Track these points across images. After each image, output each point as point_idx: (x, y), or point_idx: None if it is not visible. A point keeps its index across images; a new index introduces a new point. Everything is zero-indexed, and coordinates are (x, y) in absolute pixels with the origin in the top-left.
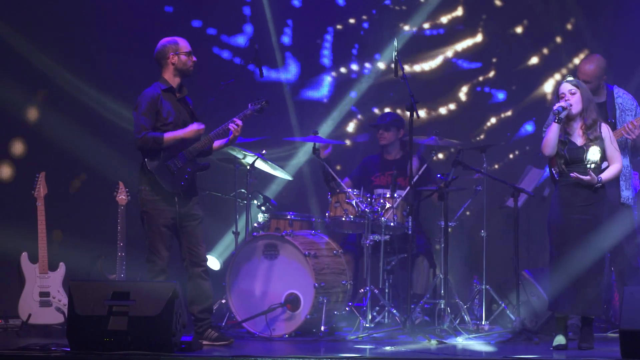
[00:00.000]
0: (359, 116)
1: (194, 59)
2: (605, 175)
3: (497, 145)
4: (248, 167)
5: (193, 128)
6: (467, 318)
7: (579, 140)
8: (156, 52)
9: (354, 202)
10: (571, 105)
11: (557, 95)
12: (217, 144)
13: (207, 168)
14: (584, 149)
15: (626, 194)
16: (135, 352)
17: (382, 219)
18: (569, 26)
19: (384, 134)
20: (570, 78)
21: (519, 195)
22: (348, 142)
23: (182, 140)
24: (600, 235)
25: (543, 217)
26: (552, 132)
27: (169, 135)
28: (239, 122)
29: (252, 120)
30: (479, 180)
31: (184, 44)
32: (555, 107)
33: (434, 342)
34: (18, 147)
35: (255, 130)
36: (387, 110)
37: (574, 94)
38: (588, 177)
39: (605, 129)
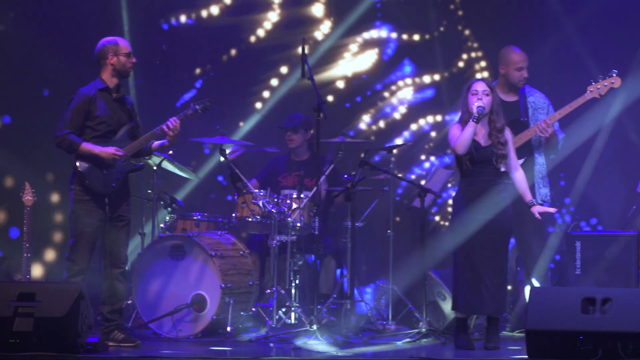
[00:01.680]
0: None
1: (134, 60)
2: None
3: (405, 145)
4: (155, 168)
5: (110, 151)
6: (373, 318)
7: (482, 141)
8: (96, 52)
9: (260, 203)
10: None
11: (468, 91)
12: (156, 144)
13: (141, 169)
14: (492, 150)
15: (544, 191)
16: (41, 353)
17: (289, 219)
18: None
19: (292, 136)
20: (483, 77)
21: (426, 195)
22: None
23: (96, 156)
24: (504, 235)
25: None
26: (469, 132)
27: (86, 147)
28: (175, 122)
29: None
30: (385, 180)
31: (124, 45)
32: (477, 107)
33: (340, 342)
34: None
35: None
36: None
37: (487, 95)
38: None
39: (509, 134)
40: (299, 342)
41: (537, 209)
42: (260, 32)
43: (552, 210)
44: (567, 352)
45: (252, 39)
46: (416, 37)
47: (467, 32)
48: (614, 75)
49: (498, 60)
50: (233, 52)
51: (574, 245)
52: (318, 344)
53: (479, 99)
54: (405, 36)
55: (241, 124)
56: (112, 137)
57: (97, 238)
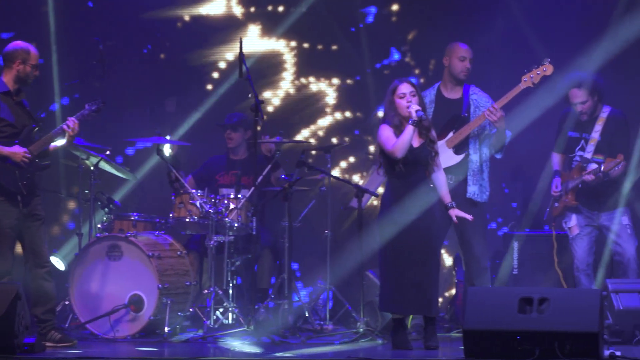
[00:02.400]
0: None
1: (37, 73)
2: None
3: (341, 145)
4: (92, 168)
5: (19, 151)
6: (311, 318)
7: (415, 142)
8: (5, 52)
9: (198, 203)
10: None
11: (394, 93)
12: (53, 145)
13: (48, 167)
14: (425, 150)
15: (472, 189)
16: None
17: (226, 219)
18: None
19: (232, 134)
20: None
21: (363, 195)
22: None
23: (6, 157)
24: (433, 235)
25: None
26: (408, 135)
27: None
28: (74, 122)
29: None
30: (323, 180)
31: (34, 55)
32: (416, 112)
33: (277, 342)
34: None
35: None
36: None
37: (414, 95)
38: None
39: (434, 133)
40: (236, 342)
41: (454, 212)
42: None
43: (468, 216)
44: (505, 352)
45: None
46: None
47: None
48: (547, 63)
49: (445, 53)
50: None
51: (511, 245)
52: (253, 344)
53: (409, 101)
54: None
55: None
56: (17, 139)
57: (15, 238)
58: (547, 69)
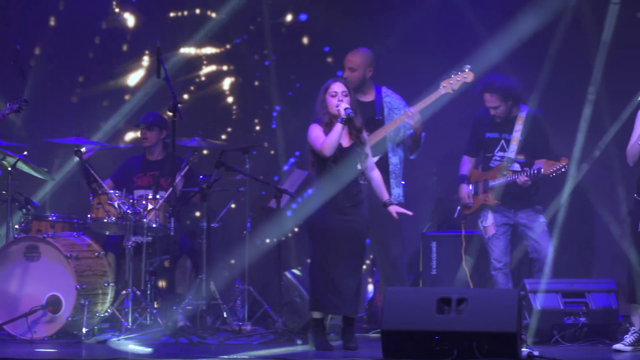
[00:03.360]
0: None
1: None
2: (386, 192)
3: (259, 146)
4: (10, 169)
5: None
6: (229, 319)
7: (344, 142)
8: None
9: (116, 204)
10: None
11: (326, 92)
12: None
13: None
14: (354, 150)
15: (397, 191)
16: None
17: (145, 220)
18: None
19: (147, 134)
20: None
21: (282, 196)
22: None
23: None
24: (361, 235)
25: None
26: (337, 134)
27: None
28: None
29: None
30: (241, 181)
31: None
32: (345, 110)
33: (196, 343)
34: None
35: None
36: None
37: (346, 95)
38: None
39: (365, 134)
40: (154, 343)
41: (394, 209)
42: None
43: (408, 212)
44: (423, 352)
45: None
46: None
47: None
48: (467, 70)
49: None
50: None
51: (429, 245)
52: (171, 345)
53: (340, 100)
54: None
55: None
56: None
57: None
58: (468, 76)
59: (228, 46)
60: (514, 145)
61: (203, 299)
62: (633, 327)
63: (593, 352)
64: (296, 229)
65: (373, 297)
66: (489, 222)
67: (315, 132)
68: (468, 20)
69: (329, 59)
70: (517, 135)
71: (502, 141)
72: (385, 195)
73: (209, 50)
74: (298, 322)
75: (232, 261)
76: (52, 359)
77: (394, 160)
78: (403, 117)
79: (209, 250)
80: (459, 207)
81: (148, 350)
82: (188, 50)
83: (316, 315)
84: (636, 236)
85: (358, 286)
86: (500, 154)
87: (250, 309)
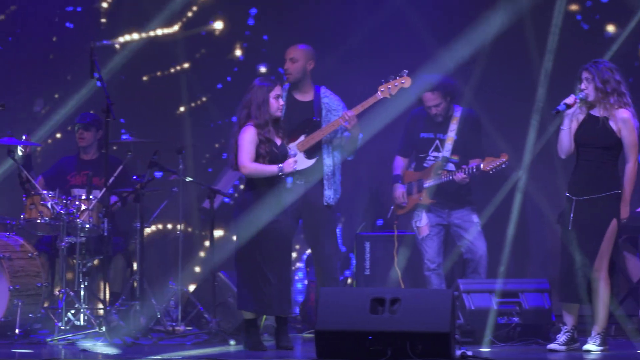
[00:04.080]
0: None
1: None
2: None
3: (193, 146)
4: None
5: None
6: (163, 320)
7: (279, 142)
8: None
9: (49, 204)
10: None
11: (269, 92)
12: None
13: None
14: (287, 150)
15: (328, 193)
16: None
17: (78, 220)
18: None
19: (84, 134)
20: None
21: (215, 196)
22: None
23: None
24: (289, 235)
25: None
26: (264, 174)
27: None
28: None
29: None
30: (175, 181)
31: None
32: (293, 168)
33: (129, 343)
34: None
35: None
36: None
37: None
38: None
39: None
40: (87, 344)
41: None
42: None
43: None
44: (357, 352)
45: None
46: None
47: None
48: (405, 75)
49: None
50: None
51: (363, 245)
52: (106, 345)
53: (282, 105)
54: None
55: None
56: None
57: None
58: (405, 81)
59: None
60: (448, 145)
61: (137, 300)
62: (565, 327)
63: (527, 352)
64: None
65: (307, 298)
66: (423, 222)
67: (247, 145)
68: (408, 22)
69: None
70: (451, 135)
71: (437, 141)
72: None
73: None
74: (232, 323)
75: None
76: None
77: (328, 162)
78: (340, 120)
79: (142, 250)
80: (392, 208)
81: (81, 350)
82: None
83: (248, 315)
84: (568, 235)
85: (288, 285)
86: (435, 154)
87: (184, 310)
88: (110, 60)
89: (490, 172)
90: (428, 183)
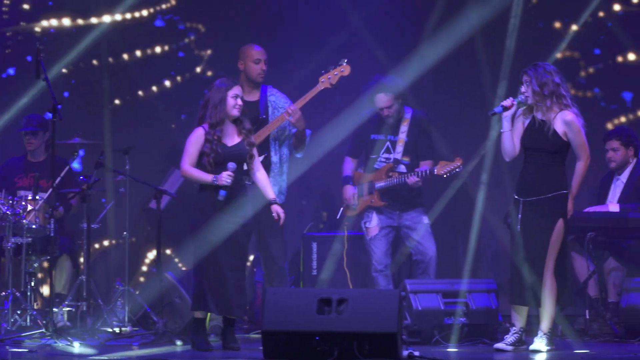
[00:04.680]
0: None
1: None
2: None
3: (139, 146)
4: None
5: None
6: (109, 320)
7: (229, 142)
8: None
9: None
10: None
11: (227, 91)
12: None
13: None
14: (245, 150)
15: (275, 190)
16: None
17: (24, 221)
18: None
19: (31, 139)
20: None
21: (162, 196)
22: None
23: None
24: (246, 236)
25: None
26: (198, 179)
27: None
28: None
29: None
30: (122, 182)
31: None
32: (225, 184)
33: (76, 344)
34: None
35: None
36: None
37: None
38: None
39: (253, 139)
40: (34, 345)
41: (276, 208)
42: None
43: (281, 216)
44: (304, 353)
45: None
46: None
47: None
48: (344, 63)
49: (238, 57)
50: None
51: (310, 246)
52: (51, 346)
53: (240, 105)
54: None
55: None
56: None
57: None
58: (345, 69)
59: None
60: (399, 147)
61: (83, 300)
62: (514, 327)
63: (474, 352)
64: None
65: (254, 298)
66: (372, 223)
67: (189, 147)
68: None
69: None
70: (402, 136)
71: (388, 143)
72: (270, 194)
73: None
74: (178, 323)
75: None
76: None
77: (275, 159)
78: (284, 115)
79: (88, 251)
80: (342, 209)
81: (28, 350)
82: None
83: (198, 315)
84: (515, 236)
85: (241, 287)
86: (386, 155)
87: (131, 310)
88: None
89: (444, 176)
90: (380, 185)
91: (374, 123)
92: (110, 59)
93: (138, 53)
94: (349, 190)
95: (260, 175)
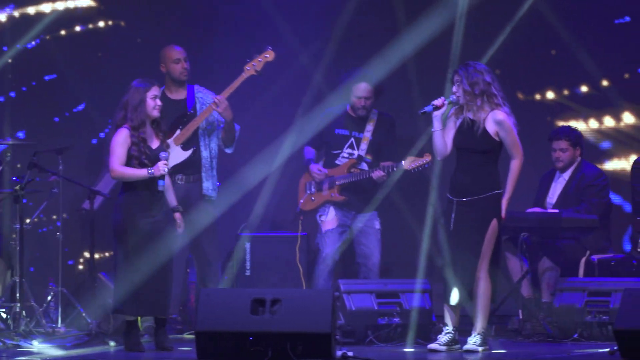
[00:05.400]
0: None
1: None
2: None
3: (73, 147)
4: None
5: None
6: (43, 321)
7: (154, 144)
8: None
9: None
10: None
11: (146, 92)
12: None
13: None
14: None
15: (207, 185)
16: None
17: None
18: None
19: None
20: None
21: (95, 197)
22: None
23: None
24: (169, 236)
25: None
26: (133, 177)
27: None
28: None
29: None
30: (55, 182)
31: None
32: (162, 174)
33: (9, 345)
34: None
35: None
36: None
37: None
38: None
39: (172, 141)
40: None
41: (178, 216)
42: None
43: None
44: (238, 353)
45: None
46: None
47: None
48: (269, 49)
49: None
50: None
51: (244, 246)
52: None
53: (159, 105)
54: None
55: None
56: None
57: None
58: (269, 55)
59: None
60: (364, 145)
61: (16, 301)
62: (447, 327)
63: (407, 352)
64: None
65: (187, 298)
66: (329, 217)
67: (117, 148)
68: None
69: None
70: (367, 135)
71: (352, 139)
72: (172, 202)
73: None
74: (111, 324)
75: None
76: None
77: (205, 154)
78: (212, 106)
79: (22, 252)
80: (301, 201)
81: None
82: None
83: (129, 317)
84: (449, 236)
85: (168, 286)
86: (349, 151)
87: (64, 311)
88: None
89: (412, 171)
90: (341, 180)
91: (340, 118)
92: None
93: None
94: (314, 166)
95: (167, 180)
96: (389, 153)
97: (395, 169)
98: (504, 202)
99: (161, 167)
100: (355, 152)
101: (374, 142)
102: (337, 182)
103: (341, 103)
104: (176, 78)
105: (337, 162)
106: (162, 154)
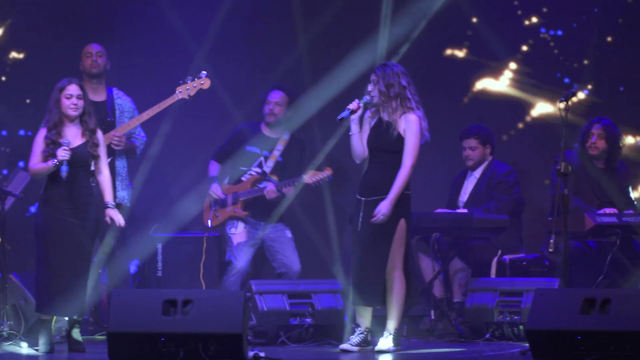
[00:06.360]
0: None
1: None
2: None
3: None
4: None
5: None
6: None
7: (74, 142)
8: None
9: None
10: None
11: (61, 92)
12: None
13: None
14: (85, 151)
15: (122, 194)
16: None
17: None
18: None
19: None
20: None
21: (7, 198)
22: None
23: None
24: (90, 237)
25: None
26: (46, 172)
27: None
28: None
29: None
30: None
31: None
32: (62, 162)
33: None
34: None
35: None
36: None
37: (80, 98)
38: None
39: (101, 136)
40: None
41: (110, 212)
42: None
43: (121, 222)
44: (149, 354)
45: None
46: None
47: None
48: (204, 77)
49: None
50: None
51: (155, 247)
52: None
53: (75, 104)
54: None
55: None
56: None
57: None
58: (205, 82)
59: None
60: (270, 163)
61: None
62: (359, 328)
63: (319, 352)
64: None
65: (100, 299)
66: (238, 229)
67: (34, 147)
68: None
69: None
70: (276, 154)
71: (262, 157)
72: (107, 197)
73: None
74: (23, 325)
75: None
76: None
77: (120, 163)
78: (113, 144)
79: None
80: (209, 219)
81: None
82: None
83: (43, 316)
84: (358, 237)
85: (84, 288)
86: (257, 169)
87: None
88: None
89: (313, 185)
90: (244, 196)
91: (253, 137)
92: None
93: None
94: (216, 186)
95: (102, 177)
96: (289, 175)
97: (295, 183)
98: (385, 205)
99: (60, 153)
100: (262, 171)
101: (281, 163)
102: (240, 198)
103: (255, 120)
104: (86, 71)
105: (242, 178)
106: (64, 141)
